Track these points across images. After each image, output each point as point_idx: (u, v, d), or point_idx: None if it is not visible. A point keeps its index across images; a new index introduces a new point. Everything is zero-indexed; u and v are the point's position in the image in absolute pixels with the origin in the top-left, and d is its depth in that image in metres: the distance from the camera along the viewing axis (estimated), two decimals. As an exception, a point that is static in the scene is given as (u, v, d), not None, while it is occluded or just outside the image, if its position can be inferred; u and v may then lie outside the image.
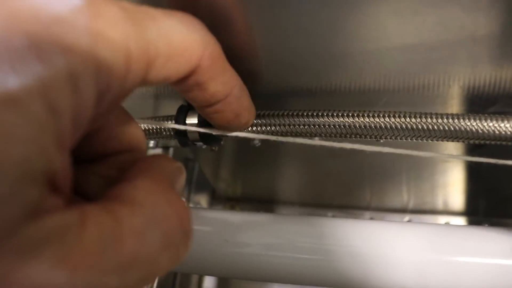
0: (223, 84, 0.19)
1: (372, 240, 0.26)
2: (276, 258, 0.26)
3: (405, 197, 0.52)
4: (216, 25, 0.20)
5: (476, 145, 0.35)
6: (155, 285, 0.36)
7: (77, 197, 0.17)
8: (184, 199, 0.28)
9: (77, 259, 0.11)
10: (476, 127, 0.24)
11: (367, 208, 0.56)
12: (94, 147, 0.17)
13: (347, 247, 0.25)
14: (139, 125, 0.19)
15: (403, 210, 0.54)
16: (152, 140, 0.34)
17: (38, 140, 0.11)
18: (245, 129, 0.25)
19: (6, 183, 0.10)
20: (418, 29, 0.20)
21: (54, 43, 0.11)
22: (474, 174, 0.44)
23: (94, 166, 0.18)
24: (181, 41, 0.15)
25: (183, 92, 0.19)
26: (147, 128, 0.28)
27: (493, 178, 0.45)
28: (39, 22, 0.11)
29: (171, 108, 0.27)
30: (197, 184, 0.49)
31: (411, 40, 0.21)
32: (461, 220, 0.54)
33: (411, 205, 0.53)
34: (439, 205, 0.53)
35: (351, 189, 0.52)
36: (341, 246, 0.25)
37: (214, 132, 0.24)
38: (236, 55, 0.21)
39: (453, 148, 0.36)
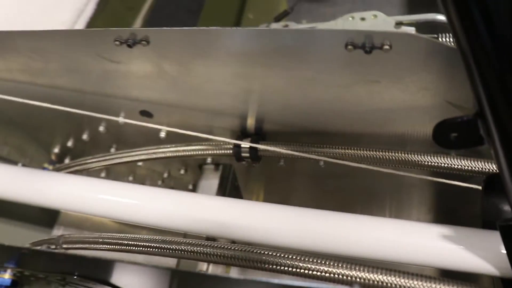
0: None
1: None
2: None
3: (387, 216, 0.67)
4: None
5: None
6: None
7: None
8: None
9: None
10: (415, 159, 0.40)
11: (357, 223, 0.70)
12: None
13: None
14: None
15: (385, 225, 0.69)
16: (210, 157, 0.51)
17: None
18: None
19: None
20: (375, 102, 0.37)
21: None
22: (440, 197, 0.59)
23: None
24: None
25: None
26: (210, 148, 0.45)
27: (455, 201, 0.59)
28: None
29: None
30: (229, 194, 0.63)
31: (373, 107, 0.38)
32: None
33: (391, 222, 0.68)
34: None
35: (345, 206, 0.67)
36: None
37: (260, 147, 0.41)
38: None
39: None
